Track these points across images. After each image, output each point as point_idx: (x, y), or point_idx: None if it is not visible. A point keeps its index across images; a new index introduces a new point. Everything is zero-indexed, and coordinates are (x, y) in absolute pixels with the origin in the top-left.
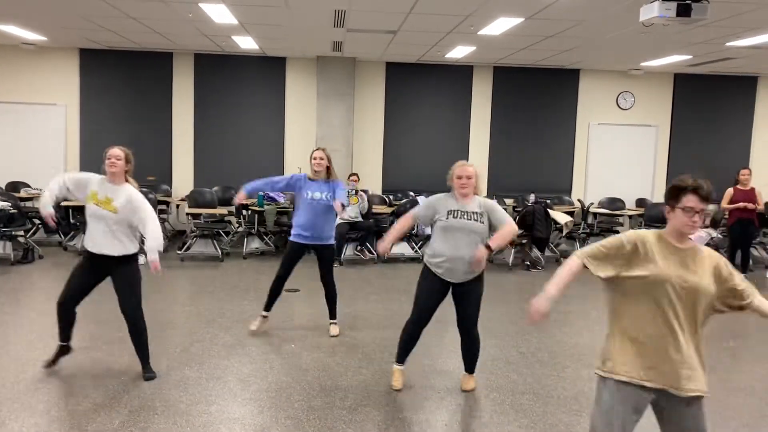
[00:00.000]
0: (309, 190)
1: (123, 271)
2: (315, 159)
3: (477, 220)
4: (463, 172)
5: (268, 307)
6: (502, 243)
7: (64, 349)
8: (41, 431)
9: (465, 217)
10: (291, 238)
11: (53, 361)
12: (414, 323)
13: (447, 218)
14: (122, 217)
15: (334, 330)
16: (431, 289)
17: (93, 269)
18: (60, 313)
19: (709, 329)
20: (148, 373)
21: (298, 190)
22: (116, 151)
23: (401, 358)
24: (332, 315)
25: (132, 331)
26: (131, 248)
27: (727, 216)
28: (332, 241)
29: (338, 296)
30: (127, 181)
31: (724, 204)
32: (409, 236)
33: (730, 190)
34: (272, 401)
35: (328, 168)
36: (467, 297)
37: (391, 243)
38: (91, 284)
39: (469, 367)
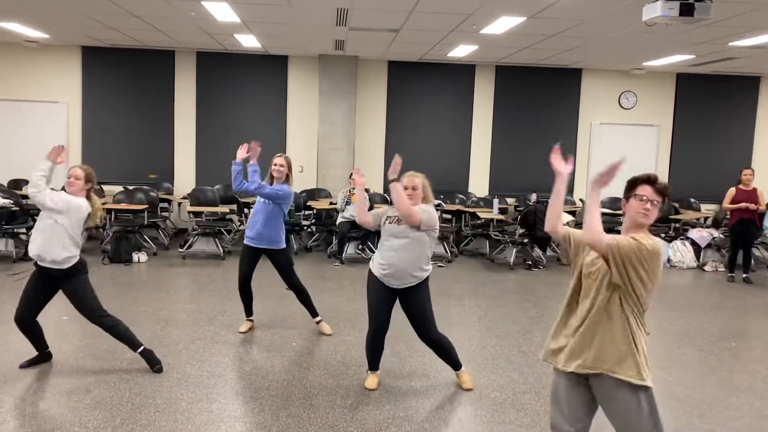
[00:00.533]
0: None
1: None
2: (276, 165)
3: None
4: (409, 182)
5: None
6: (397, 198)
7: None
8: (42, 428)
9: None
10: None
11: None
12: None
13: (385, 224)
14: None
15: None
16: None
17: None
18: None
19: (711, 330)
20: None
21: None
22: (76, 171)
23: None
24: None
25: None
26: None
27: (728, 216)
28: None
29: (341, 295)
30: (88, 198)
31: (726, 204)
32: None
33: (732, 190)
34: (273, 399)
35: (287, 175)
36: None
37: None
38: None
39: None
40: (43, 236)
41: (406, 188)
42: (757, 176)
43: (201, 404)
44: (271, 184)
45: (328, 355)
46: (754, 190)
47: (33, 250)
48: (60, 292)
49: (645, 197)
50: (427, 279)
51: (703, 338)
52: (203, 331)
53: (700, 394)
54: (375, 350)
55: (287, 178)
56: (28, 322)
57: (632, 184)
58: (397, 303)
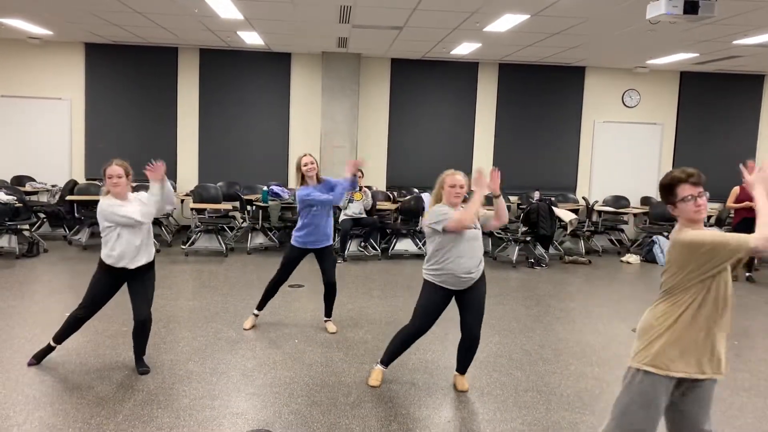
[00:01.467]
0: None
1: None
2: (306, 165)
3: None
4: (457, 181)
5: (261, 306)
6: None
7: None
8: (45, 424)
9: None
10: (293, 243)
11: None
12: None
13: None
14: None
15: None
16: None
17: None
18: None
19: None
20: (142, 367)
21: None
22: (116, 170)
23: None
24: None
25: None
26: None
27: (732, 215)
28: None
29: (341, 292)
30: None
31: (730, 203)
32: (413, 233)
33: (736, 189)
34: (275, 396)
35: (317, 173)
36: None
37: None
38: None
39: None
40: (141, 242)
41: (453, 186)
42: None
43: (203, 401)
44: (301, 185)
45: (330, 352)
46: None
47: (138, 260)
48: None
49: (691, 196)
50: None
51: None
52: (206, 328)
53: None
54: (403, 348)
55: (318, 178)
56: (85, 322)
57: (669, 189)
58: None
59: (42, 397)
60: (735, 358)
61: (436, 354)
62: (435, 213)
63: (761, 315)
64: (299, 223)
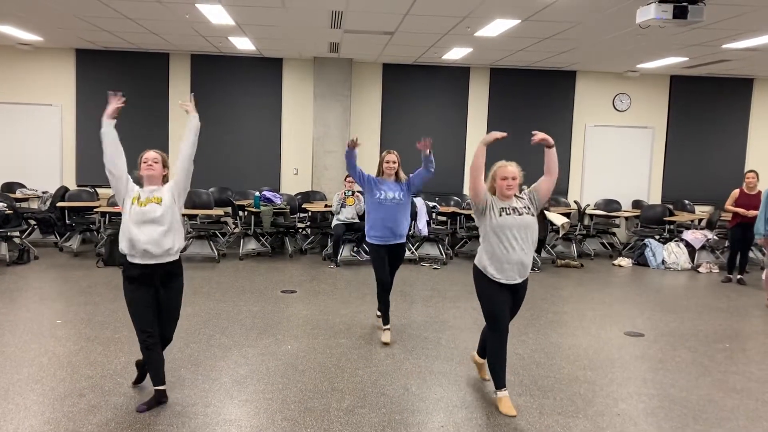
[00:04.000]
0: (381, 190)
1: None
2: (387, 163)
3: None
4: (509, 173)
5: (386, 320)
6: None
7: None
8: None
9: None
10: (370, 241)
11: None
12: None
13: (499, 216)
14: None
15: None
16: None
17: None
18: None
19: (705, 331)
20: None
21: (369, 189)
22: (152, 154)
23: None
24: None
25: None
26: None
27: (724, 217)
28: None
29: (334, 297)
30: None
31: (727, 205)
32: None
33: (735, 192)
34: (268, 403)
35: (397, 171)
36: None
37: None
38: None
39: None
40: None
41: (505, 179)
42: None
43: (196, 408)
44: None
45: (323, 358)
46: (758, 194)
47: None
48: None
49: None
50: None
51: (698, 339)
52: (198, 334)
53: (695, 396)
54: (502, 363)
55: (397, 174)
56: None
57: None
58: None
59: (33, 405)
60: (727, 360)
61: (429, 359)
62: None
63: (752, 318)
64: (368, 221)
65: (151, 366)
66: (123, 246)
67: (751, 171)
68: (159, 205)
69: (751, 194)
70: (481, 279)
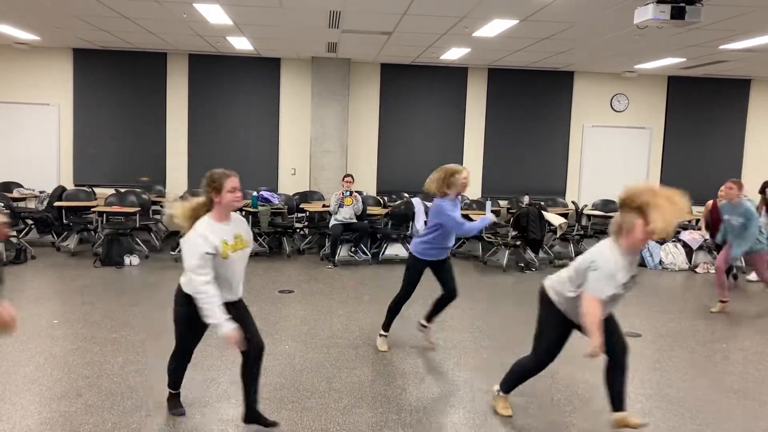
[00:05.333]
0: (458, 209)
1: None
2: (465, 179)
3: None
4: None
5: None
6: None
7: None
8: None
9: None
10: (421, 257)
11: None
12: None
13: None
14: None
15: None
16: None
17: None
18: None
19: (702, 332)
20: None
21: (453, 209)
22: (235, 181)
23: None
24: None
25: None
26: None
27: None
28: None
29: (331, 297)
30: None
31: (703, 217)
32: (403, 237)
33: (709, 204)
34: (266, 402)
35: None
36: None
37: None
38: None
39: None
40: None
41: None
42: (748, 178)
43: (192, 408)
44: (444, 196)
45: (320, 358)
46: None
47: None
48: None
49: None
50: None
51: (695, 340)
52: None
53: (692, 396)
54: (521, 378)
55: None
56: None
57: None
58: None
59: (29, 405)
60: (724, 360)
61: (426, 359)
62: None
63: (749, 318)
64: (426, 235)
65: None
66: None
67: (731, 180)
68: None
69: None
70: (550, 306)
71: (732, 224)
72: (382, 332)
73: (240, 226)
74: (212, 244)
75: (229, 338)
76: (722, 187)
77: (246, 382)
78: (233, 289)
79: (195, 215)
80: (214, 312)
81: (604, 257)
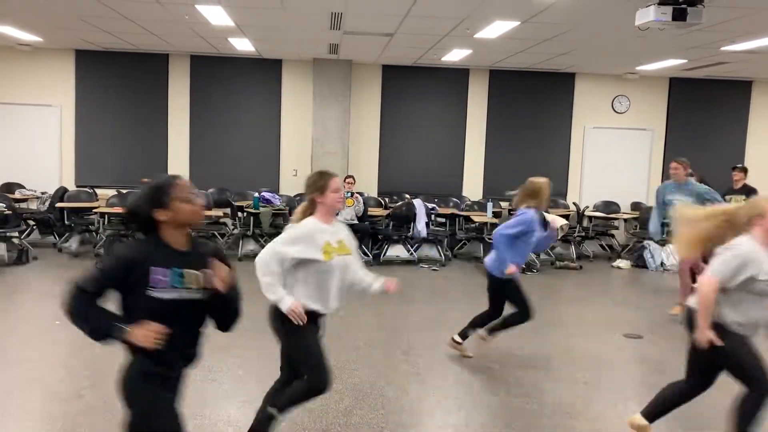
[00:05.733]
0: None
1: None
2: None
3: None
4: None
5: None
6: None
7: None
8: None
9: None
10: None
11: None
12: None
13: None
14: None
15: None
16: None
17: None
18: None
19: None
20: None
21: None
22: (340, 182)
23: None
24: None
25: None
26: None
27: None
28: None
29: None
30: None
31: None
32: (404, 238)
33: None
34: None
35: None
36: None
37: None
38: None
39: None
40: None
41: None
42: (749, 180)
43: (194, 409)
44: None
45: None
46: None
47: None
48: None
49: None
50: None
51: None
52: None
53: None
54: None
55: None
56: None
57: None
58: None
59: (31, 406)
60: None
61: (427, 361)
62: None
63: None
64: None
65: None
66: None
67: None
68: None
69: None
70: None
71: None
72: (458, 338)
73: (342, 231)
74: (317, 244)
75: (293, 312)
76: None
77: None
78: (328, 300)
79: (303, 219)
80: (276, 288)
81: (738, 242)
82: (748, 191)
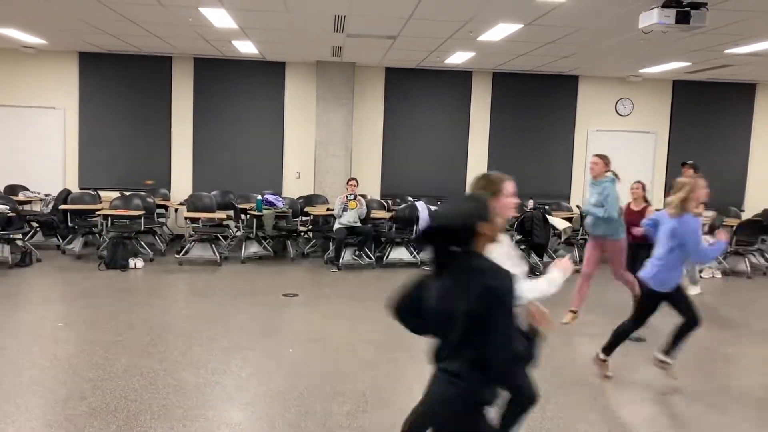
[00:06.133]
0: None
1: None
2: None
3: None
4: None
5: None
6: None
7: None
8: None
9: None
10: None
11: None
12: None
13: None
14: None
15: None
16: None
17: None
18: None
19: (707, 337)
20: None
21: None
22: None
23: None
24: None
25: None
26: None
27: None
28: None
29: (335, 301)
30: None
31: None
32: (407, 241)
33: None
34: (270, 406)
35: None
36: None
37: None
38: None
39: None
40: None
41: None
42: (753, 182)
43: (197, 411)
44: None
45: (324, 362)
46: (644, 209)
47: None
48: None
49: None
50: None
51: (701, 345)
52: (199, 337)
53: (698, 403)
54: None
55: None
56: None
57: None
58: None
59: (34, 408)
60: (729, 366)
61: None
62: None
63: (755, 324)
64: (665, 261)
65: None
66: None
67: (637, 182)
68: None
69: (636, 210)
70: None
71: (590, 202)
72: (603, 356)
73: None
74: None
75: (566, 267)
76: (633, 186)
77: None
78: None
79: None
80: (540, 282)
81: None
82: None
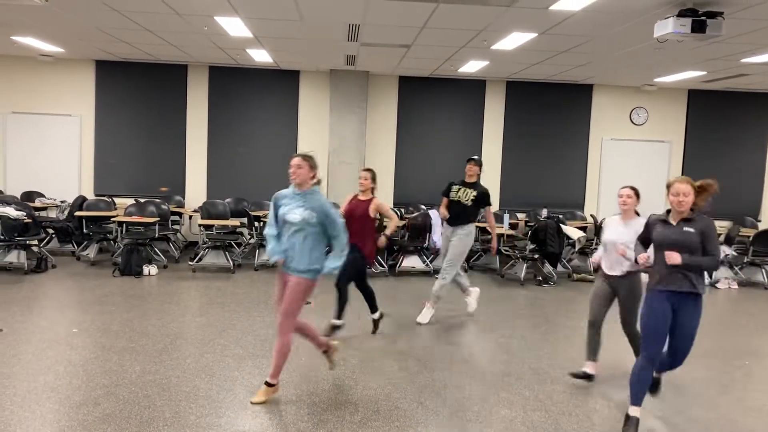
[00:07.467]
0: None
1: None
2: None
3: None
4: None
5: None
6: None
7: None
8: None
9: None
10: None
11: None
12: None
13: None
14: None
15: None
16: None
17: None
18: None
19: (723, 348)
20: None
21: None
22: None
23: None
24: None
25: None
26: None
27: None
28: None
29: (350, 308)
30: None
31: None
32: (420, 249)
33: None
34: (282, 414)
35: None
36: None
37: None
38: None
39: None
40: None
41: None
42: None
43: (209, 418)
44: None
45: (337, 370)
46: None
47: None
48: None
49: None
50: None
51: (716, 357)
52: (213, 344)
53: (713, 414)
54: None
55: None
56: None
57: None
58: None
59: (48, 413)
60: (745, 377)
61: (444, 374)
62: None
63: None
64: None
65: None
66: None
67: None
68: None
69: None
70: None
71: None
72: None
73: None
74: None
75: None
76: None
77: None
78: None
79: None
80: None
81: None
82: (476, 186)
